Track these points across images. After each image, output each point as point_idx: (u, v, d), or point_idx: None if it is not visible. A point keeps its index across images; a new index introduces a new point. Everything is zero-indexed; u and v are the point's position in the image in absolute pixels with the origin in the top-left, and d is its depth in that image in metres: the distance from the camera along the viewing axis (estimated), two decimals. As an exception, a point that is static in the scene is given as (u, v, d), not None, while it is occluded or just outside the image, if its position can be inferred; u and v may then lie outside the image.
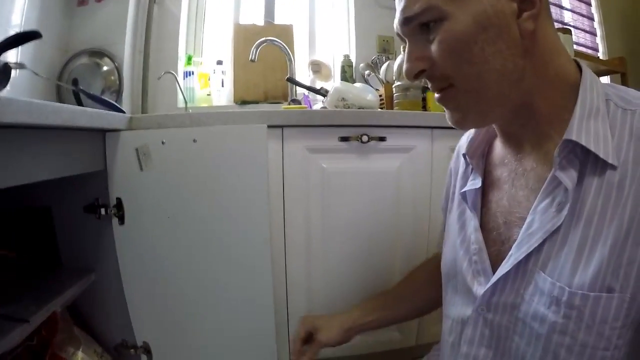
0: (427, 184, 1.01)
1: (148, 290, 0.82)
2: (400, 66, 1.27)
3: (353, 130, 0.95)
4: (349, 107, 1.10)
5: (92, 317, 0.88)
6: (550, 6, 0.44)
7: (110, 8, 1.20)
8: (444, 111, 0.47)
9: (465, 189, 0.52)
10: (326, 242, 0.96)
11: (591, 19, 2.15)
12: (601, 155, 0.39)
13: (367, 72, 1.54)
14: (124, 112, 0.83)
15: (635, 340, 0.39)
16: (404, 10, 0.42)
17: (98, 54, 1.20)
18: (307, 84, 1.46)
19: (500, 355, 0.46)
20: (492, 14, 0.39)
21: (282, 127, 0.90)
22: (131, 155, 0.78)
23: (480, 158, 0.53)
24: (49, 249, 0.85)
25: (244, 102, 1.49)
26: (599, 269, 0.38)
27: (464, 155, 0.53)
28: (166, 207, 0.79)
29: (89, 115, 0.64)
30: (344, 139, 0.95)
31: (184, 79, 1.41)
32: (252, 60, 1.31)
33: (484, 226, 0.50)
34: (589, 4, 2.15)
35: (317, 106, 1.42)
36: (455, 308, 0.52)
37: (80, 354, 0.77)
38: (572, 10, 2.12)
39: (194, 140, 0.77)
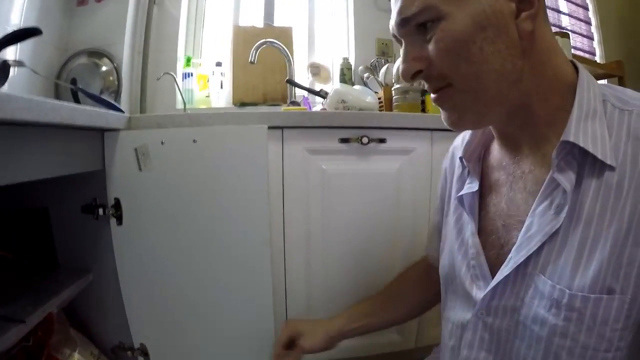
0: (427, 186, 1.01)
1: (146, 291, 0.81)
2: (399, 69, 1.27)
3: (353, 131, 0.95)
4: (348, 109, 1.10)
5: (88, 318, 0.88)
6: (548, 10, 0.44)
7: (109, 8, 1.20)
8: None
9: (462, 192, 0.52)
10: (326, 243, 0.95)
11: (588, 23, 2.17)
12: (599, 156, 0.39)
13: (366, 74, 1.54)
14: (123, 111, 0.82)
15: (637, 341, 0.39)
16: (401, 10, 0.42)
17: (97, 54, 1.20)
18: (306, 86, 1.46)
19: (501, 359, 0.46)
20: (491, 14, 0.39)
21: (282, 128, 0.90)
22: (130, 155, 0.77)
23: (477, 161, 0.53)
24: (46, 250, 0.84)
25: (242, 104, 1.48)
26: (599, 270, 0.38)
27: (460, 158, 0.53)
28: (165, 208, 0.79)
29: (88, 114, 0.64)
30: (344, 140, 0.95)
31: (182, 80, 1.41)
32: (251, 62, 1.31)
33: (482, 230, 0.49)
34: (587, 9, 2.17)
35: (317, 108, 1.42)
36: (455, 312, 0.52)
37: (76, 355, 0.76)
38: (569, 15, 2.14)
39: (194, 141, 0.76)
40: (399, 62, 1.26)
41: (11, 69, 0.77)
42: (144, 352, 0.82)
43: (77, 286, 0.79)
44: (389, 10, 0.45)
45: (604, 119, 0.41)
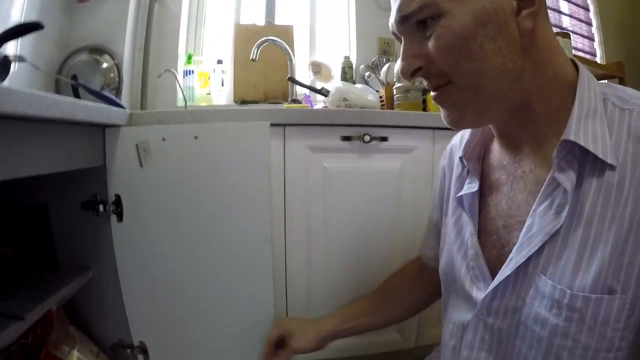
0: (428, 185, 1.00)
1: (146, 288, 0.81)
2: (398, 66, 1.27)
3: (355, 130, 0.95)
4: (350, 107, 1.10)
5: (88, 315, 0.87)
6: (549, 11, 0.44)
7: (110, 5, 1.20)
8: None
9: (462, 193, 0.51)
10: (327, 241, 0.95)
11: (589, 24, 2.17)
12: (600, 156, 0.38)
13: (367, 73, 1.54)
14: (124, 107, 0.82)
15: (638, 341, 0.38)
16: (400, 8, 0.41)
17: (98, 50, 1.19)
18: (308, 84, 1.45)
19: (502, 359, 0.45)
20: (492, 11, 0.39)
21: (283, 125, 0.90)
22: (131, 152, 0.77)
23: (477, 161, 0.52)
24: (45, 246, 0.84)
25: (243, 102, 1.48)
26: (600, 270, 0.38)
27: (460, 158, 0.52)
28: (166, 205, 0.78)
29: (89, 109, 0.63)
30: (346, 138, 0.94)
31: (183, 77, 1.40)
32: (253, 60, 1.31)
33: (482, 230, 0.49)
34: (587, 10, 2.17)
35: (318, 106, 1.42)
36: (456, 312, 0.52)
37: (75, 353, 0.76)
38: (570, 16, 2.14)
39: (196, 137, 0.76)
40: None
41: (12, 65, 0.76)
42: (143, 349, 0.82)
43: (77, 283, 0.79)
44: (390, 9, 0.44)
45: (605, 118, 0.40)
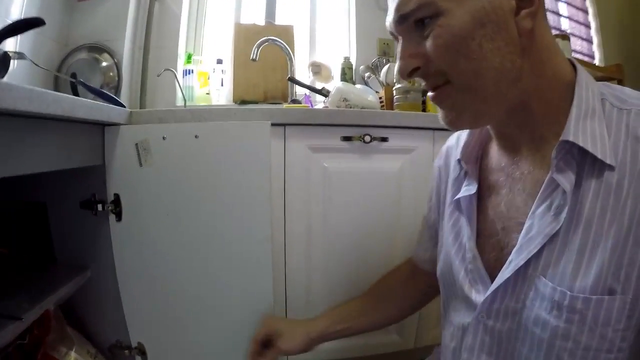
0: (428, 186, 1.00)
1: (144, 289, 0.80)
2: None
3: (355, 130, 0.95)
4: (350, 108, 1.10)
5: (85, 316, 0.86)
6: (548, 13, 0.44)
7: (110, 3, 1.19)
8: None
9: (459, 195, 0.51)
10: (326, 241, 0.95)
11: (588, 26, 2.18)
12: (599, 156, 0.38)
13: (367, 74, 1.54)
14: (124, 106, 0.81)
15: (638, 341, 0.38)
16: (398, 7, 0.41)
17: (97, 49, 1.19)
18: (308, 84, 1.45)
19: None
20: (490, 10, 0.38)
21: (284, 125, 0.90)
22: (131, 150, 0.76)
23: (475, 163, 0.52)
24: (43, 246, 0.83)
25: (243, 102, 1.48)
26: (600, 271, 0.37)
27: (458, 160, 0.52)
28: (165, 204, 0.78)
29: (90, 107, 0.63)
30: (346, 138, 0.94)
31: (183, 77, 1.40)
32: (253, 60, 1.30)
33: (481, 233, 0.49)
34: (586, 12, 2.18)
35: (319, 107, 1.42)
36: (455, 315, 0.52)
37: (73, 354, 0.75)
38: (569, 18, 2.15)
39: (196, 136, 0.75)
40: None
41: (11, 62, 0.76)
42: (141, 351, 0.81)
43: (75, 283, 0.78)
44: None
45: (603, 118, 0.40)
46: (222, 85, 1.46)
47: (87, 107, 0.62)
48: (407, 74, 0.42)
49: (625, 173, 0.38)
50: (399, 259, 0.99)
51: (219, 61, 1.46)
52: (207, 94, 1.43)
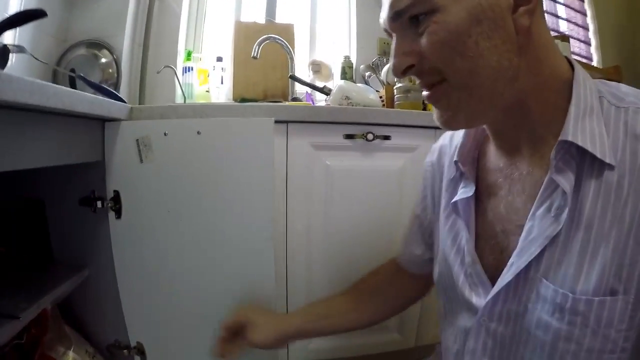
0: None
1: (144, 288, 0.79)
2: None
3: (358, 128, 0.94)
4: (352, 106, 1.09)
5: (84, 315, 0.85)
6: (547, 15, 0.43)
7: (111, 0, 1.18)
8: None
9: (457, 198, 0.50)
10: (328, 238, 0.95)
11: (586, 29, 2.19)
12: (598, 155, 0.38)
13: (367, 73, 1.54)
14: (124, 101, 0.80)
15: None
16: (393, 3, 0.40)
17: (96, 45, 1.17)
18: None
19: None
20: (487, 7, 0.37)
21: (287, 122, 0.89)
22: (131, 146, 0.75)
23: (472, 164, 0.51)
24: (41, 243, 0.82)
25: (243, 100, 1.46)
26: (602, 272, 0.37)
27: (455, 162, 0.50)
28: (166, 201, 0.77)
29: (90, 102, 0.62)
30: (349, 136, 0.94)
31: (182, 74, 1.39)
32: (254, 57, 1.30)
33: (480, 235, 0.48)
34: (585, 14, 2.20)
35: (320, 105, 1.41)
36: (457, 318, 0.51)
37: (71, 354, 0.74)
38: (567, 20, 2.16)
39: (198, 132, 0.74)
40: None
41: (10, 55, 0.74)
42: (140, 350, 0.80)
43: (73, 282, 0.77)
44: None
45: (601, 116, 0.40)
46: (222, 83, 1.45)
47: (88, 101, 0.60)
48: (401, 71, 0.41)
49: (625, 172, 0.37)
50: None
51: (219, 59, 1.45)
52: (207, 91, 1.42)
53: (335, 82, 1.50)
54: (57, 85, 0.51)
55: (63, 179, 0.80)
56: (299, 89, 1.48)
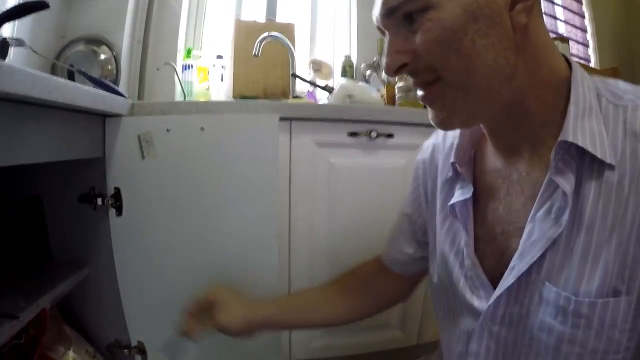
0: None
1: (145, 286, 0.78)
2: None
3: (361, 126, 0.94)
4: (355, 104, 1.09)
5: (83, 314, 0.83)
6: (545, 17, 0.42)
7: (110, -4, 1.16)
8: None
9: (454, 200, 0.48)
10: (331, 236, 0.94)
11: (584, 31, 2.21)
12: (599, 156, 0.37)
13: (368, 72, 1.54)
14: (126, 97, 0.79)
15: None
16: (386, 0, 0.39)
17: (96, 41, 1.16)
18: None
19: None
20: (483, 4, 0.36)
21: (290, 120, 0.88)
22: (132, 143, 0.74)
23: (469, 164, 0.49)
24: (39, 241, 0.80)
25: (243, 98, 1.46)
26: (605, 274, 0.37)
27: (452, 163, 0.49)
28: (168, 198, 0.76)
29: (92, 96, 0.60)
30: (353, 134, 0.94)
31: (182, 72, 1.37)
32: (255, 55, 1.29)
33: (479, 237, 0.47)
34: (583, 16, 2.21)
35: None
36: (459, 321, 0.50)
37: (71, 354, 0.72)
38: (566, 22, 2.17)
39: (202, 129, 0.73)
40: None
41: (9, 48, 0.73)
42: (141, 350, 0.79)
43: (72, 280, 0.75)
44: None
45: (600, 115, 0.39)
46: (221, 80, 1.44)
47: (90, 95, 0.59)
48: (394, 70, 0.40)
49: (626, 172, 0.37)
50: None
51: (219, 57, 1.44)
52: (207, 89, 1.41)
53: (336, 81, 1.49)
54: (59, 78, 0.50)
55: (62, 176, 0.78)
56: (300, 87, 1.47)
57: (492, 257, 0.46)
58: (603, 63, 2.14)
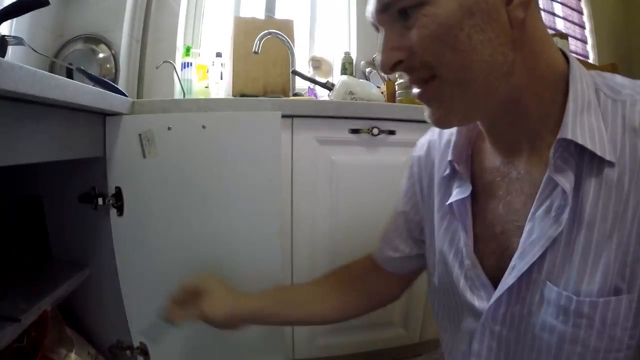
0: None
1: (147, 287, 0.77)
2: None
3: (363, 122, 0.94)
4: (356, 101, 1.08)
5: (85, 316, 0.83)
6: (543, 13, 0.42)
7: (108, -6, 1.15)
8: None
9: (452, 199, 0.48)
10: (333, 233, 0.94)
11: (583, 27, 2.21)
12: (598, 153, 0.37)
13: (368, 69, 1.53)
14: (126, 95, 0.78)
15: None
16: None
17: (94, 40, 1.15)
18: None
19: None
20: None
21: (292, 117, 0.88)
22: (133, 141, 0.73)
23: (466, 162, 0.49)
24: (39, 242, 0.79)
25: (243, 96, 1.45)
26: (606, 273, 0.36)
27: (450, 162, 0.48)
28: (170, 198, 0.75)
29: (93, 94, 0.60)
30: (354, 131, 0.93)
31: (181, 70, 1.36)
32: (255, 52, 1.28)
33: (479, 236, 0.47)
34: (581, 13, 2.21)
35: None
36: (461, 320, 0.49)
37: (73, 356, 0.71)
38: (564, 18, 2.17)
39: (203, 127, 0.72)
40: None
41: (8, 47, 0.72)
42: (143, 351, 0.78)
43: (73, 282, 0.74)
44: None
45: (599, 111, 0.39)
46: (221, 78, 1.43)
47: (90, 93, 0.59)
48: (389, 67, 0.39)
49: (626, 168, 0.36)
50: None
51: (218, 54, 1.43)
52: (206, 87, 1.40)
53: (336, 78, 1.49)
54: (59, 76, 0.49)
55: (62, 175, 0.78)
56: (300, 85, 1.47)
57: (492, 256, 0.45)
58: (601, 60, 2.14)
